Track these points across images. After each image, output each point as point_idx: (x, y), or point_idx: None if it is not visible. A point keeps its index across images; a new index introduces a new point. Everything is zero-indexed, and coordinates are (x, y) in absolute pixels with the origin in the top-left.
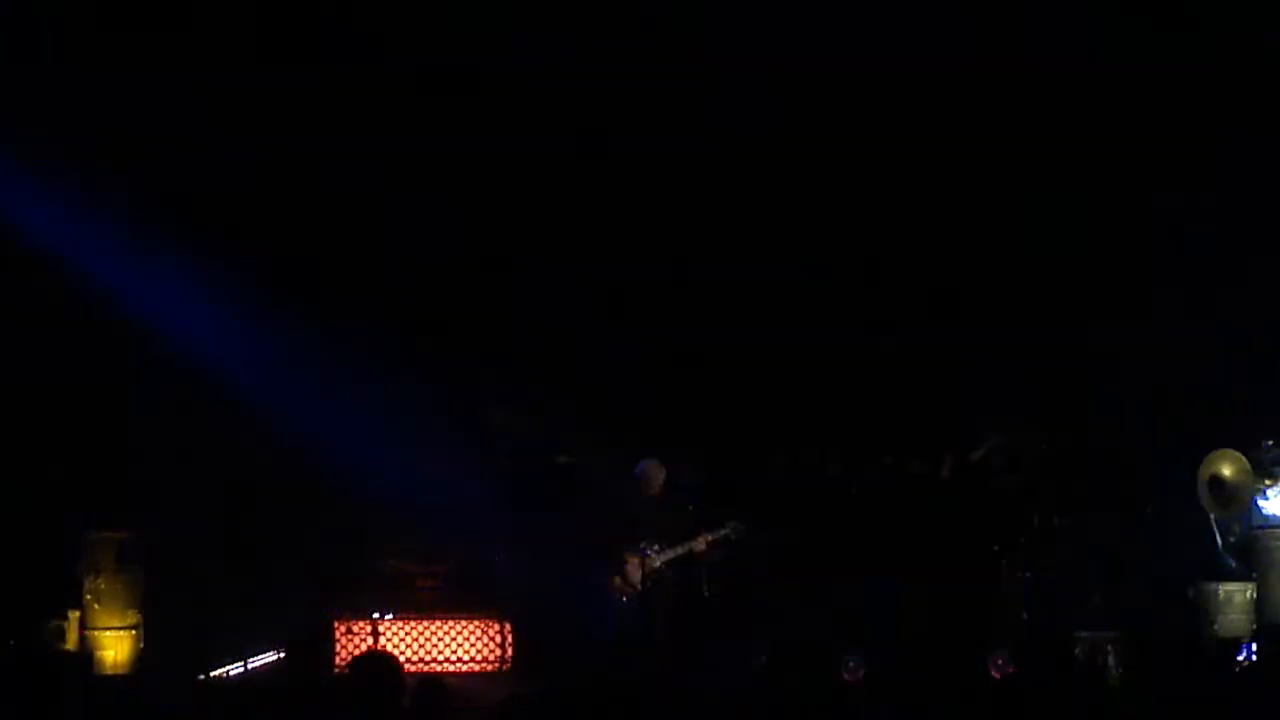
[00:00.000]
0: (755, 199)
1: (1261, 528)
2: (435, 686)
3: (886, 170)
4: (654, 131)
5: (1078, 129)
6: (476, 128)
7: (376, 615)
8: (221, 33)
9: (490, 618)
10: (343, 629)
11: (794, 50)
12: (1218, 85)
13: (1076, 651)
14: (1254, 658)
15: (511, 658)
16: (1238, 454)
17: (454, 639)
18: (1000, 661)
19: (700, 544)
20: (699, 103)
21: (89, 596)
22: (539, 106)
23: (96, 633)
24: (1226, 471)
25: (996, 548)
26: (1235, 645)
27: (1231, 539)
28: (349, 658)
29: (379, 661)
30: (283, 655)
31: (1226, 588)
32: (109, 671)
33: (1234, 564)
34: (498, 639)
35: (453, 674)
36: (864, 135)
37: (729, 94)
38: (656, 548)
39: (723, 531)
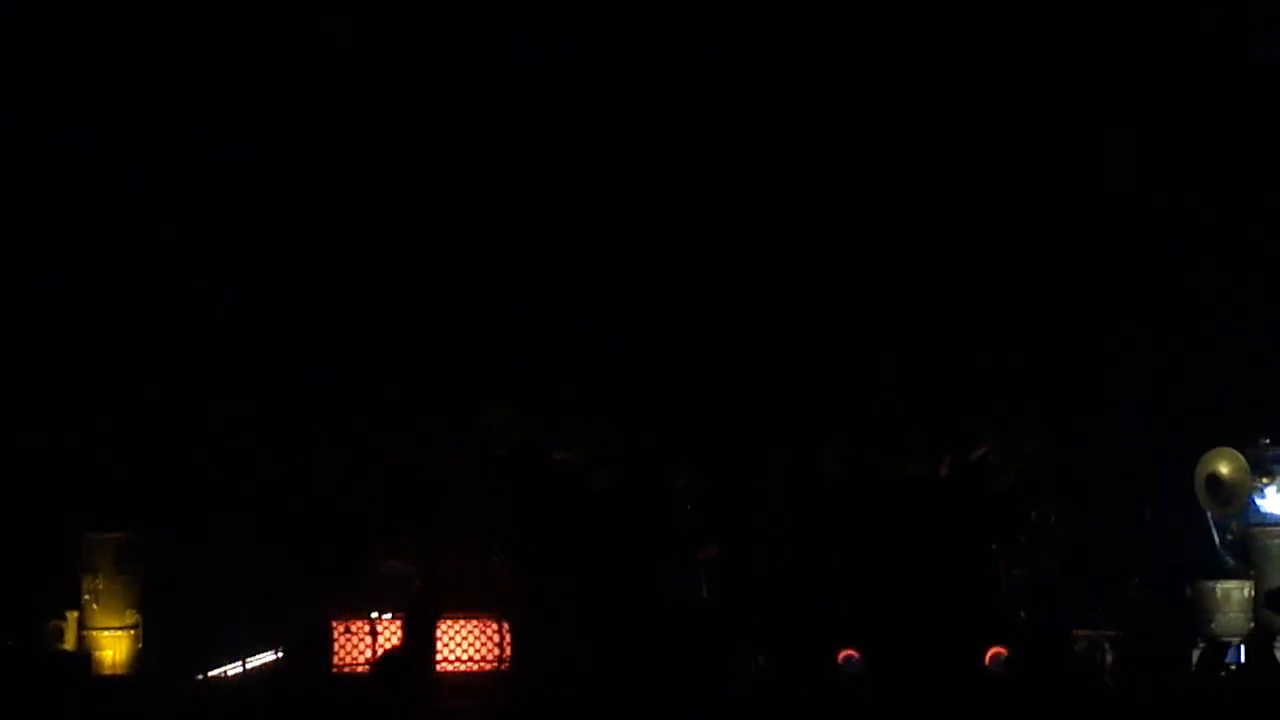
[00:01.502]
0: (755, 199)
1: (1259, 525)
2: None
3: (887, 170)
4: (654, 131)
5: (1078, 129)
6: (476, 128)
7: (375, 615)
8: (222, 32)
9: (489, 617)
10: (340, 628)
11: (794, 50)
12: (1217, 85)
13: (1075, 650)
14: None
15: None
16: (1235, 452)
17: (452, 638)
18: (999, 660)
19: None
20: (699, 103)
21: (87, 597)
22: (539, 106)
23: (95, 633)
24: (1224, 470)
25: (995, 546)
26: (1224, 647)
27: (1229, 537)
28: (346, 657)
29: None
30: (281, 655)
31: (1224, 585)
32: (107, 672)
33: (1231, 562)
34: (496, 638)
35: (451, 673)
36: (864, 135)
37: (729, 94)
38: None
39: None
